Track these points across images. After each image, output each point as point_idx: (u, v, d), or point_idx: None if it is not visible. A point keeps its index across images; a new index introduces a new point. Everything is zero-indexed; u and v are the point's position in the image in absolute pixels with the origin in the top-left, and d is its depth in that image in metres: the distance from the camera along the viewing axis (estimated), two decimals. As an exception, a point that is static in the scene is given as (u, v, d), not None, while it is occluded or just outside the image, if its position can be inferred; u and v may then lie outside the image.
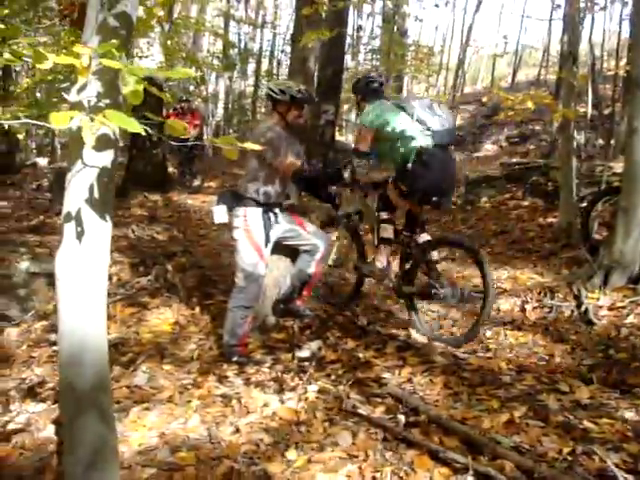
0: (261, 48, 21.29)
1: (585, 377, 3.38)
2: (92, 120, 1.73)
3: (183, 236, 7.12)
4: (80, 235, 1.98)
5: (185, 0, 16.74)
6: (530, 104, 5.84)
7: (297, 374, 3.65)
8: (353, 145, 4.64)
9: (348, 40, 13.33)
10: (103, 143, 1.93)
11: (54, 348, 3.96)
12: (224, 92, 21.05)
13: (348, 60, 15.41)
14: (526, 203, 8.39)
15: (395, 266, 4.75)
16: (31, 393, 3.57)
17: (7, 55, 1.82)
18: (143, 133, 1.77)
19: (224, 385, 3.61)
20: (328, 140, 10.85)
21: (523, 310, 4.61)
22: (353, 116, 17.74)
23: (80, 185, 1.97)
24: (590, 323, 4.19)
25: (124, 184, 9.67)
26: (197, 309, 4.82)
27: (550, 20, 18.17)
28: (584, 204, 6.44)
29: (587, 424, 2.82)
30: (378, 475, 2.56)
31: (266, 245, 3.93)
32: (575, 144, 6.97)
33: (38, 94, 13.69)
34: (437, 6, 17.62)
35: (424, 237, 4.44)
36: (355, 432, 2.92)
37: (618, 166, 7.11)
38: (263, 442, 2.92)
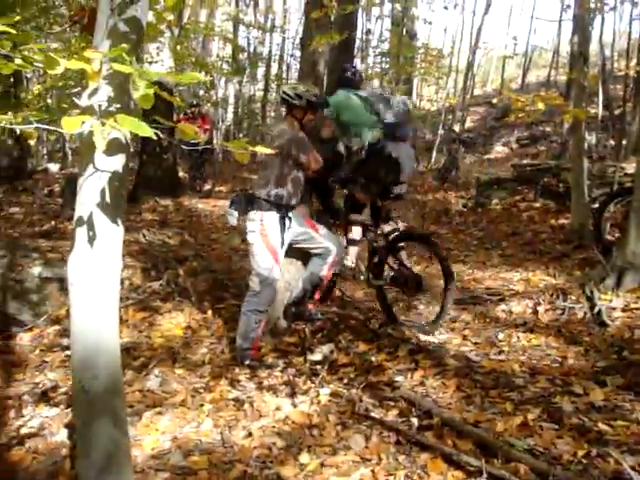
0: (270, 52, 21.33)
1: (599, 379, 3.35)
2: (103, 124, 1.74)
3: (194, 240, 7.13)
4: (92, 239, 1.98)
5: (194, 5, 16.82)
6: (540, 105, 5.80)
7: (309, 377, 3.65)
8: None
9: (357, 43, 13.30)
10: (114, 147, 1.94)
11: (67, 352, 3.98)
12: (234, 96, 21.12)
13: (357, 63, 15.39)
14: (537, 205, 8.36)
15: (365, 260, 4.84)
16: (44, 397, 3.60)
17: (18, 61, 1.82)
18: (154, 137, 1.77)
19: (236, 389, 3.61)
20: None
21: (535, 312, 4.58)
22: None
23: (92, 189, 1.98)
24: (603, 325, 4.15)
25: (135, 189, 9.74)
26: (209, 313, 4.84)
27: (560, 21, 18.17)
28: (596, 205, 6.41)
29: (602, 426, 2.78)
30: (391, 478, 2.55)
31: (281, 249, 3.93)
32: (586, 145, 6.95)
33: (49, 100, 13.83)
34: (446, 8, 17.46)
35: (387, 228, 4.59)
36: (368, 435, 2.91)
37: (630, 167, 7.07)
38: (276, 446, 2.92)
